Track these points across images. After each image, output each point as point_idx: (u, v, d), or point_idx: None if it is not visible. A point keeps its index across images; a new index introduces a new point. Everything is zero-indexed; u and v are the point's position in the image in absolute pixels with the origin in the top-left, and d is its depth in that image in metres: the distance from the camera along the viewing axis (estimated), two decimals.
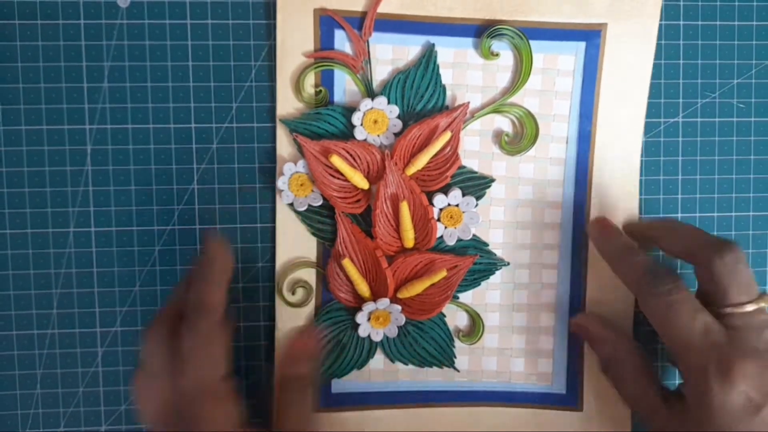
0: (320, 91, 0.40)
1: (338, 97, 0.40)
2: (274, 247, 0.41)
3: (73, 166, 0.40)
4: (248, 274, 0.41)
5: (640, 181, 0.42)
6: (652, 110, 0.42)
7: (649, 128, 0.42)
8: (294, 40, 0.39)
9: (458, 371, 0.42)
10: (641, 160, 0.42)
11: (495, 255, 0.42)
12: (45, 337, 0.41)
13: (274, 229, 0.41)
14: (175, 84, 0.40)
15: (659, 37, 0.42)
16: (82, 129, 0.40)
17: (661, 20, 0.41)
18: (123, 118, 0.40)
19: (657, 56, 0.42)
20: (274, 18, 0.39)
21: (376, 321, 0.41)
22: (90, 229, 0.40)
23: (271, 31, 0.40)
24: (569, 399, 0.43)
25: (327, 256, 0.41)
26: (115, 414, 0.41)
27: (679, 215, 0.43)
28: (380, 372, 0.42)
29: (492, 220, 0.42)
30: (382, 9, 0.39)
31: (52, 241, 0.40)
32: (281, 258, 0.41)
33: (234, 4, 0.40)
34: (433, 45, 0.40)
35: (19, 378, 0.41)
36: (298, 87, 0.40)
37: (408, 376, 0.42)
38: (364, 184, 0.40)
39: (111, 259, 0.41)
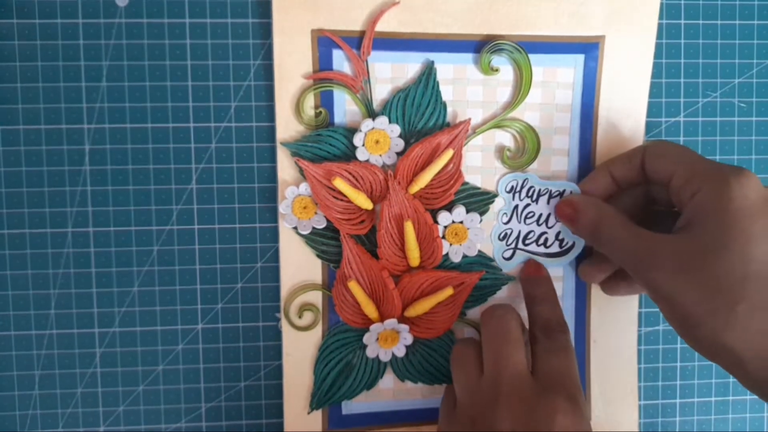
0: (320, 112, 0.39)
1: (338, 117, 0.40)
2: (273, 248, 0.41)
3: (71, 165, 0.40)
4: (247, 274, 0.41)
5: None
6: (653, 109, 0.42)
7: (650, 128, 0.42)
8: (292, 61, 0.39)
9: None
10: None
11: (501, 270, 0.41)
12: (43, 337, 0.41)
13: (273, 229, 0.41)
14: (173, 83, 0.40)
15: (660, 36, 0.41)
16: (80, 129, 0.40)
17: (662, 19, 0.41)
18: (121, 117, 0.40)
19: (658, 55, 0.42)
20: (273, 18, 0.39)
21: (384, 341, 0.40)
22: (88, 230, 0.40)
23: (270, 31, 0.40)
24: None
25: (333, 278, 0.40)
26: (113, 415, 0.41)
27: None
28: (390, 391, 0.42)
29: None
30: (380, 27, 0.39)
31: (50, 241, 0.40)
32: (286, 281, 0.40)
33: (233, 3, 0.40)
34: (433, 62, 0.40)
35: (18, 379, 0.41)
36: (298, 109, 0.39)
37: (418, 394, 0.42)
38: (367, 204, 0.39)
39: (109, 259, 0.40)
